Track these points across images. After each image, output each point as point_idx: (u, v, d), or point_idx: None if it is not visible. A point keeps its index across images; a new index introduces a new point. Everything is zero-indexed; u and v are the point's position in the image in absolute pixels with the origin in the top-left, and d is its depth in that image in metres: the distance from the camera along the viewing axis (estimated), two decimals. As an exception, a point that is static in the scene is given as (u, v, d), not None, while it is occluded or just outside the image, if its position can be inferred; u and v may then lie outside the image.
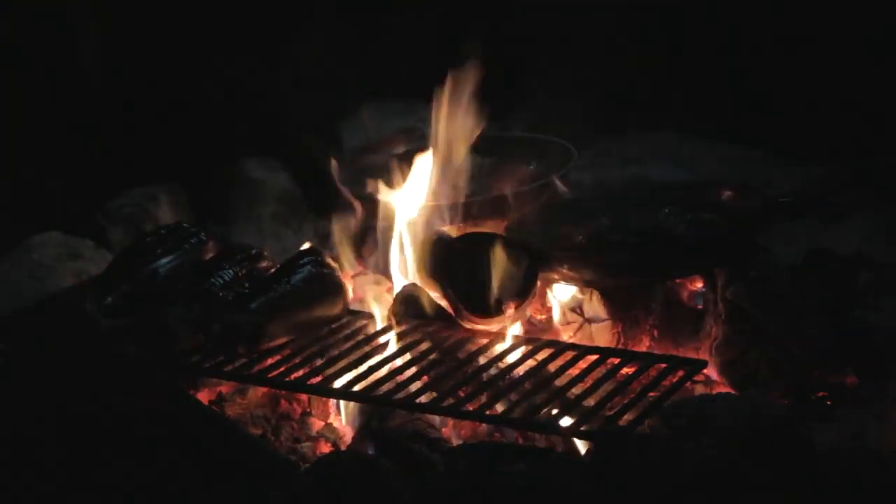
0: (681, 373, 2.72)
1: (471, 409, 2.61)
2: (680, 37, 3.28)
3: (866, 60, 3.22)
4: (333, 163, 3.28)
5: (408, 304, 2.98)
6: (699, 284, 3.06)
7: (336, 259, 3.09)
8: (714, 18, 3.29)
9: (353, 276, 3.26)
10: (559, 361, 2.78)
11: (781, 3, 3.30)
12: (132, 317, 2.88)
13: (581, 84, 3.16)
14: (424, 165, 3.16)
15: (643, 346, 2.96)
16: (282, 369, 2.77)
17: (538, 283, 2.98)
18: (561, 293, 3.08)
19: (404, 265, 3.11)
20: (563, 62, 3.22)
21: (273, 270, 3.00)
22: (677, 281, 3.06)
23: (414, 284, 3.03)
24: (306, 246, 3.16)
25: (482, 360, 2.80)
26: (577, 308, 3.04)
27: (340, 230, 3.22)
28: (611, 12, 3.23)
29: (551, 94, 3.26)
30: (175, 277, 2.97)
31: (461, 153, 3.10)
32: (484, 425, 2.69)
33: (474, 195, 3.22)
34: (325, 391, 2.73)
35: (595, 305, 3.01)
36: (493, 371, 2.75)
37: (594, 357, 2.80)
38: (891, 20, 3.18)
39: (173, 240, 3.06)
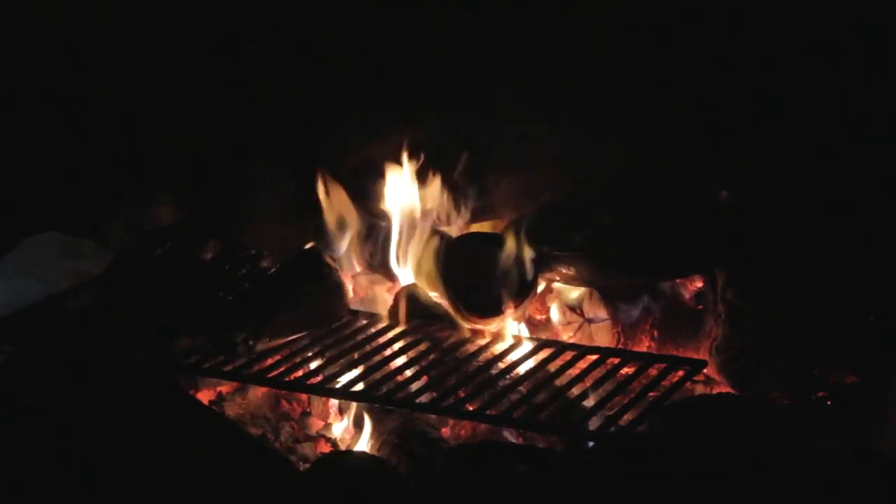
0: (681, 373, 2.73)
1: (471, 409, 2.61)
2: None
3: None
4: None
5: (408, 304, 2.98)
6: (699, 284, 3.06)
7: (336, 259, 3.09)
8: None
9: (352, 276, 3.26)
10: (559, 361, 2.78)
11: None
12: (133, 317, 2.88)
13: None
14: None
15: (643, 346, 2.96)
16: (282, 369, 2.77)
17: (538, 283, 2.98)
18: (561, 293, 3.08)
19: (404, 265, 3.11)
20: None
21: (273, 270, 3.00)
22: (677, 281, 3.06)
23: (414, 284, 3.04)
24: (307, 246, 3.16)
25: (482, 360, 2.80)
26: (577, 308, 3.04)
27: (340, 230, 3.22)
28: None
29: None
30: (175, 277, 2.97)
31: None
32: (484, 425, 2.69)
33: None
34: (325, 391, 2.73)
35: (595, 305, 3.01)
36: (493, 371, 2.75)
37: (594, 357, 2.80)
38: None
39: (174, 240, 3.06)
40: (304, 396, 2.89)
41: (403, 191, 3.18)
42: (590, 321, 3.01)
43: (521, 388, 2.67)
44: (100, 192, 3.69)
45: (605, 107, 3.23)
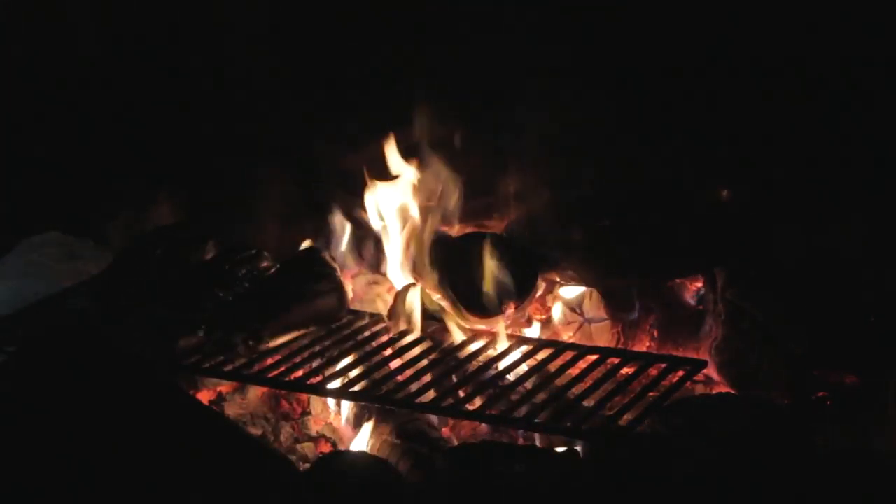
0: (681, 373, 2.73)
1: (471, 409, 2.61)
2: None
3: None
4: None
5: (408, 304, 2.98)
6: (699, 284, 3.06)
7: (336, 259, 3.09)
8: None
9: (353, 276, 3.26)
10: (559, 361, 2.78)
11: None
12: (133, 317, 2.88)
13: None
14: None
15: (643, 346, 2.97)
16: (282, 369, 2.77)
17: (538, 283, 2.98)
18: (561, 293, 3.08)
19: (404, 265, 3.11)
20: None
21: (273, 270, 3.00)
22: (677, 281, 3.06)
23: (414, 284, 3.03)
24: (306, 246, 3.16)
25: (482, 360, 2.80)
26: (577, 308, 3.04)
27: (340, 230, 3.22)
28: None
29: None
30: (175, 277, 2.97)
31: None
32: (484, 425, 2.69)
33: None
34: (325, 391, 2.73)
35: (595, 305, 3.01)
36: (492, 371, 2.75)
37: (594, 357, 2.80)
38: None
39: (174, 241, 3.06)
40: (304, 396, 2.89)
41: (401, 190, 3.18)
42: (590, 321, 3.01)
43: (521, 388, 2.67)
44: (100, 192, 3.69)
45: (605, 107, 3.23)
